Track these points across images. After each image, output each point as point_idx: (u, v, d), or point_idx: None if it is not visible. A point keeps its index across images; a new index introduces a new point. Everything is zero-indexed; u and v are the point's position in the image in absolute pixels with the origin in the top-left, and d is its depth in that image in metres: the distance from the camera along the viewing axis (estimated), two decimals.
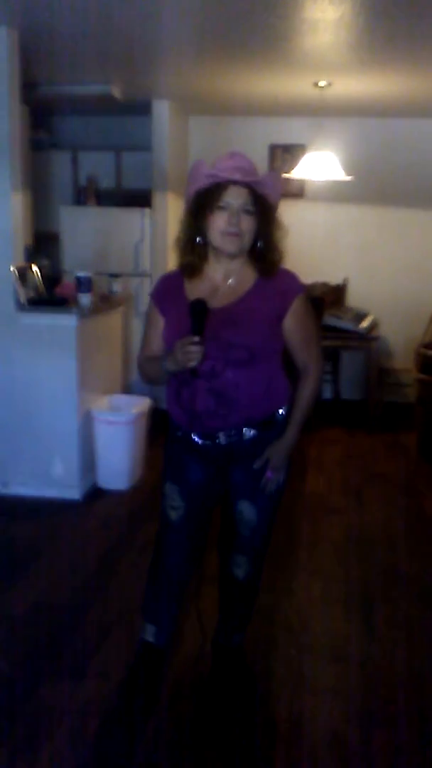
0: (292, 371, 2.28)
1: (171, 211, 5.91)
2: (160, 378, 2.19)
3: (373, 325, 5.87)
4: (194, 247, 2.14)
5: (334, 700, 2.48)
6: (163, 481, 2.33)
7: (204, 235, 2.12)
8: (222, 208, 2.06)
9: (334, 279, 6.35)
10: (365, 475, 4.78)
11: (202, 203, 2.09)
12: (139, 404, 4.41)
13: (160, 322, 2.22)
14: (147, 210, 5.90)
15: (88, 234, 5.97)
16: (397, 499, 4.37)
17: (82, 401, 4.15)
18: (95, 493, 4.27)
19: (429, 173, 6.20)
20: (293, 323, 2.18)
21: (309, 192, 6.38)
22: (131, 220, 5.91)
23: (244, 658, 2.59)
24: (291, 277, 2.21)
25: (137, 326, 5.37)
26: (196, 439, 2.20)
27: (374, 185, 6.22)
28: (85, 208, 6.18)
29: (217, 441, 2.18)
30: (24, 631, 2.88)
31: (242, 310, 2.13)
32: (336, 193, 6.20)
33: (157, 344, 2.23)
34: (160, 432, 2.39)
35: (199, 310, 2.01)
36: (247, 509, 2.29)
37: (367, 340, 5.67)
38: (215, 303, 2.09)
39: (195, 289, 2.15)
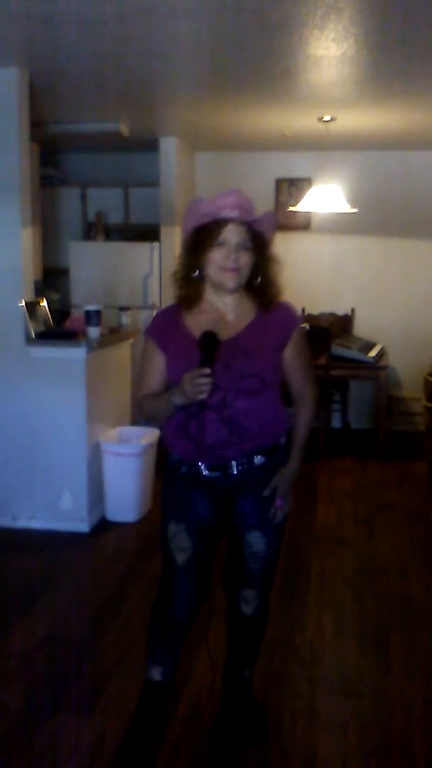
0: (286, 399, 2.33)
1: (178, 245, 5.96)
2: (164, 413, 2.16)
3: (382, 354, 5.87)
4: (192, 281, 2.17)
5: (349, 735, 2.43)
6: (166, 523, 2.28)
7: (202, 270, 2.15)
8: (221, 244, 2.11)
9: (341, 309, 6.38)
10: (376, 505, 4.74)
11: (201, 239, 2.13)
12: (148, 435, 4.41)
13: (159, 359, 2.21)
14: (155, 244, 5.97)
15: (96, 268, 6.03)
16: (409, 529, 4.32)
17: (91, 433, 4.16)
18: (104, 526, 4.25)
19: None
20: (293, 353, 2.25)
21: (315, 224, 6.45)
22: (140, 254, 5.98)
23: (252, 693, 2.53)
24: (289, 308, 2.28)
25: None
26: (204, 471, 2.19)
27: (379, 217, 6.28)
28: (93, 243, 6.26)
29: (229, 471, 2.18)
30: (33, 664, 2.85)
31: (250, 340, 2.17)
32: (341, 225, 6.26)
33: (156, 381, 2.22)
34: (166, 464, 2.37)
35: (209, 342, 2.04)
36: (256, 540, 2.27)
37: (375, 369, 5.67)
38: (221, 335, 2.11)
39: (195, 322, 2.17)
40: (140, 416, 2.32)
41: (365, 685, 2.73)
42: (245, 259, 2.12)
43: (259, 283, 2.19)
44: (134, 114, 5.17)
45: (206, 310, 2.19)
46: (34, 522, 4.16)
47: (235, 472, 2.19)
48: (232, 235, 2.10)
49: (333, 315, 6.31)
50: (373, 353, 5.70)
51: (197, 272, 2.16)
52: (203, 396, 2.01)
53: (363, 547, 4.07)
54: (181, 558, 2.25)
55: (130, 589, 3.47)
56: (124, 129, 5.35)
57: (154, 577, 2.45)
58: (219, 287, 2.16)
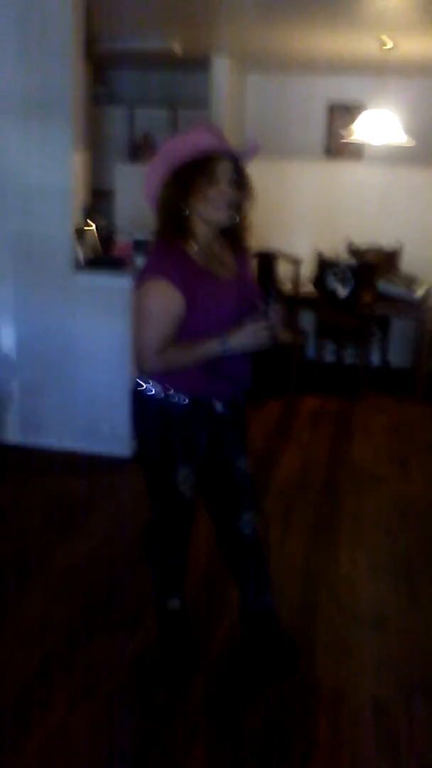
0: None
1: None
2: (200, 361, 2.14)
3: (428, 293, 5.78)
4: (183, 217, 2.12)
5: (378, 668, 2.55)
6: (174, 468, 2.27)
7: (190, 206, 2.10)
8: (213, 179, 2.08)
9: (388, 243, 6.24)
10: (412, 445, 4.78)
11: (193, 175, 2.08)
12: None
13: (179, 304, 2.09)
14: None
15: (142, 192, 5.94)
16: None
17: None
18: None
19: None
20: None
21: (367, 154, 6.25)
22: None
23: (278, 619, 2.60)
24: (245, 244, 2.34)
25: None
26: (218, 407, 2.27)
27: None
28: (140, 166, 6.15)
29: (238, 403, 2.34)
30: (78, 583, 3.00)
31: (249, 276, 2.31)
32: (395, 156, 6.05)
33: (173, 329, 2.11)
34: None
35: (275, 294, 2.12)
36: (243, 461, 2.42)
37: (420, 307, 5.59)
38: (225, 272, 2.21)
39: (204, 261, 2.16)
40: (156, 366, 2.13)
41: (397, 622, 2.83)
42: (236, 195, 2.13)
43: (238, 222, 2.18)
44: (187, 32, 4.99)
45: (203, 247, 2.17)
46: (77, 444, 4.28)
47: (242, 402, 2.36)
48: (224, 170, 2.09)
49: (380, 250, 6.19)
50: (420, 292, 5.61)
51: (186, 210, 2.11)
52: (270, 344, 2.08)
53: (398, 486, 4.13)
54: (189, 493, 2.33)
55: None
56: (177, 48, 5.18)
57: None
58: (209, 222, 2.14)
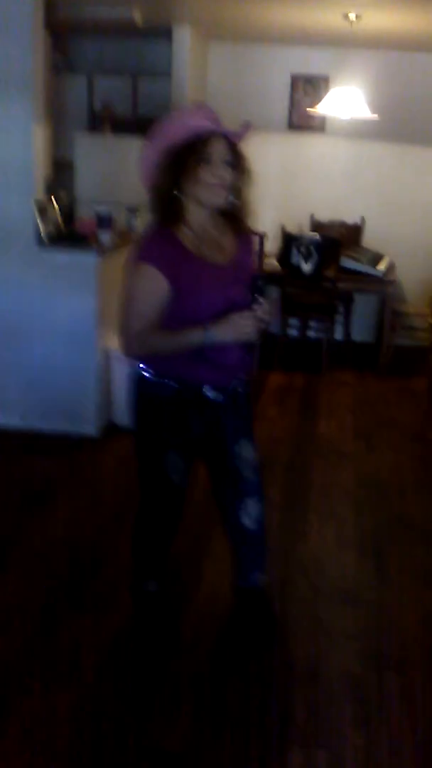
0: None
1: None
2: (183, 349, 2.10)
3: (390, 268, 5.82)
4: (174, 199, 2.09)
5: (349, 642, 2.60)
6: (161, 453, 2.27)
7: (182, 188, 2.08)
8: (208, 160, 2.04)
9: (351, 218, 6.27)
10: (375, 420, 4.85)
11: (184, 156, 2.04)
12: None
13: (163, 288, 2.06)
14: None
15: (103, 163, 5.83)
16: (408, 445, 4.45)
17: (101, 339, 4.17)
18: (111, 430, 4.33)
19: None
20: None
21: (330, 127, 6.23)
22: None
23: (267, 598, 2.64)
24: (250, 231, 2.32)
25: None
26: (209, 394, 2.23)
27: (398, 122, 6.05)
28: (100, 137, 6.03)
29: (230, 389, 2.28)
30: (46, 565, 2.98)
31: (247, 260, 2.27)
32: (358, 129, 6.04)
33: (156, 312, 2.09)
34: None
35: (262, 285, 2.09)
36: (245, 448, 2.38)
37: (383, 283, 5.64)
38: (221, 255, 2.16)
39: (194, 244, 2.12)
40: (137, 351, 2.16)
41: (364, 595, 2.89)
42: (230, 175, 2.09)
43: (235, 202, 2.15)
44: (149, 0, 4.87)
45: (196, 229, 2.14)
46: (42, 423, 4.24)
47: (233, 388, 2.29)
48: (216, 150, 2.05)
49: (343, 224, 6.20)
50: (381, 266, 5.65)
51: (177, 192, 2.08)
52: (254, 337, 2.05)
53: (362, 462, 4.19)
54: (177, 478, 2.32)
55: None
56: (138, 17, 5.05)
57: None
58: (203, 205, 2.11)
